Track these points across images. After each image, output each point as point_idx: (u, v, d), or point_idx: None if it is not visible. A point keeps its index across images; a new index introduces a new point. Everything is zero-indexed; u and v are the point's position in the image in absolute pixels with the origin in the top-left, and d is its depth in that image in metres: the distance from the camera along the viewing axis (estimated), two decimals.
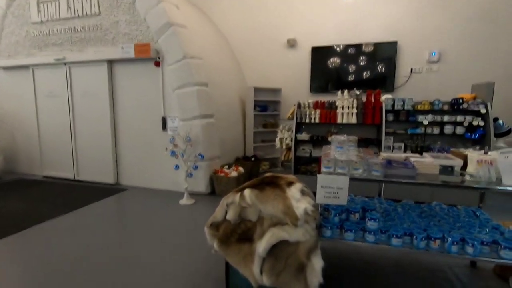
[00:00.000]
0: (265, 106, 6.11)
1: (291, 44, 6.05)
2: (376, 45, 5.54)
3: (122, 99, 4.88)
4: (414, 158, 2.22)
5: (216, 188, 4.43)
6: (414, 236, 1.88)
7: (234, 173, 4.41)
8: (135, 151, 4.90)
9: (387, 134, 4.01)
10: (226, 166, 4.87)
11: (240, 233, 1.98)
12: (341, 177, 1.91)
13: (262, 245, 1.83)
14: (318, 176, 1.97)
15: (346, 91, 4.24)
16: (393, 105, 4.04)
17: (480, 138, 3.72)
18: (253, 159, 5.43)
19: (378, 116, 4.02)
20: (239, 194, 2.04)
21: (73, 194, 4.52)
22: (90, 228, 3.28)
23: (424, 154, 2.44)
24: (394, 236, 1.89)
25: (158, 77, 4.55)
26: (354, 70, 5.70)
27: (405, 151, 4.03)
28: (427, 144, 4.05)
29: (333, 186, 1.93)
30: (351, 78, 5.73)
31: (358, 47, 5.62)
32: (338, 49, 5.75)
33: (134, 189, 4.82)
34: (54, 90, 5.24)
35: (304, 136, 4.41)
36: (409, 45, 5.54)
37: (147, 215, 3.68)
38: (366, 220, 1.99)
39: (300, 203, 1.94)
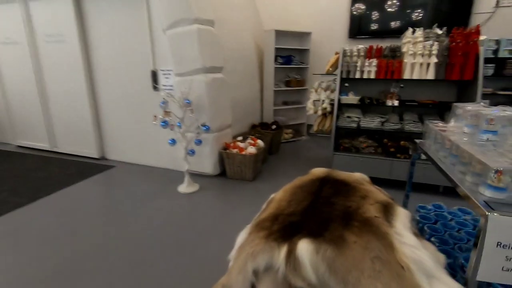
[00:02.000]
0: (289, 57, 4.71)
1: None
2: None
3: (98, 45, 3.59)
4: None
5: (228, 168, 3.33)
6: None
7: (251, 149, 3.25)
8: (121, 117, 3.74)
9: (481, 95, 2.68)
10: (240, 138, 3.70)
11: None
12: None
13: None
14: (492, 216, 0.78)
15: (419, 30, 2.82)
16: (495, 51, 2.64)
17: None
18: (274, 127, 4.22)
19: (470, 68, 2.65)
20: (284, 250, 0.88)
21: (45, 174, 3.51)
22: (52, 230, 2.28)
23: None
24: None
25: (142, 10, 3.19)
26: (411, 5, 4.13)
27: None
28: None
29: None
30: (405, 17, 4.18)
31: None
32: None
33: (124, 166, 3.77)
34: (10, 35, 3.95)
35: (351, 98, 3.12)
36: None
37: (132, 209, 2.64)
38: None
39: (438, 283, 0.78)
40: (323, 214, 1.00)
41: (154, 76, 3.34)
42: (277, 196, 1.35)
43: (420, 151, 1.57)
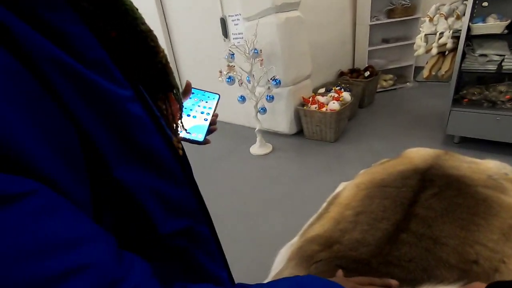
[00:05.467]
0: None
1: None
2: None
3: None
4: None
5: (305, 127, 2.89)
6: None
7: (333, 105, 2.68)
8: (197, 71, 3.65)
9: None
10: (322, 90, 3.14)
11: None
12: None
13: None
14: None
15: None
16: None
17: None
18: (367, 74, 3.40)
19: None
20: None
21: None
22: None
23: None
24: None
25: None
26: None
27: None
28: None
29: None
30: None
31: None
32: None
33: None
34: None
35: (492, 25, 2.06)
36: None
37: (199, 173, 2.62)
38: None
39: None
40: (413, 268, 0.54)
41: (223, 24, 2.99)
42: (345, 194, 0.91)
43: None
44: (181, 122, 0.50)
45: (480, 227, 0.59)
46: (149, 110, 0.33)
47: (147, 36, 0.36)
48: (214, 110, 0.61)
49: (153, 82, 0.39)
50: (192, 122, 0.58)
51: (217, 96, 0.63)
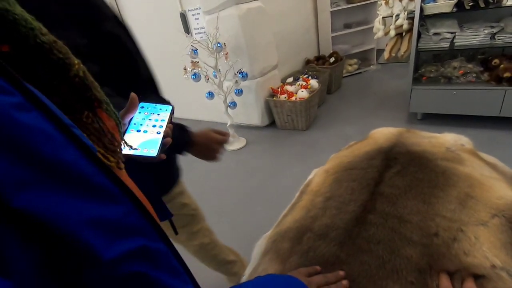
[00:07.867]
0: None
1: None
2: None
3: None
4: None
5: (277, 118, 2.90)
6: None
7: (302, 93, 2.71)
8: (163, 71, 3.50)
9: None
10: (290, 79, 3.15)
11: None
12: None
13: None
14: None
15: None
16: None
17: None
18: (332, 59, 3.46)
19: None
20: None
21: None
22: None
23: None
24: None
25: None
26: None
27: None
28: None
29: None
30: None
31: None
32: None
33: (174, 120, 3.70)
34: None
35: (441, 5, 2.15)
36: None
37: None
38: None
39: None
40: (382, 251, 0.55)
41: (184, 19, 2.90)
42: (315, 181, 0.91)
43: None
44: (123, 139, 0.46)
45: (439, 199, 0.62)
46: (55, 120, 0.29)
47: (51, 48, 0.31)
48: (168, 122, 0.57)
49: (70, 97, 0.34)
50: (143, 138, 0.53)
51: (170, 107, 0.59)
